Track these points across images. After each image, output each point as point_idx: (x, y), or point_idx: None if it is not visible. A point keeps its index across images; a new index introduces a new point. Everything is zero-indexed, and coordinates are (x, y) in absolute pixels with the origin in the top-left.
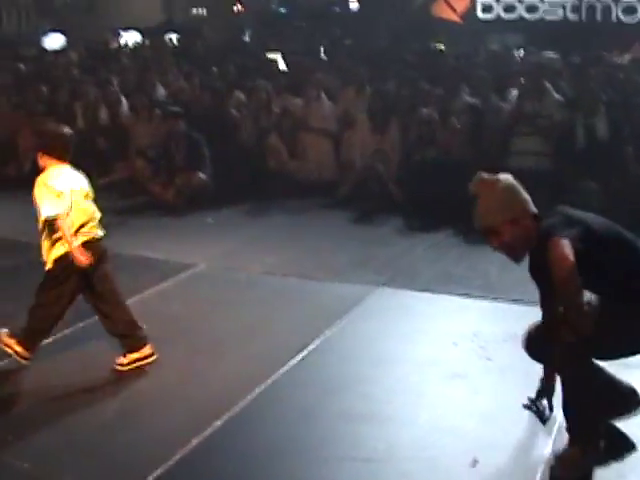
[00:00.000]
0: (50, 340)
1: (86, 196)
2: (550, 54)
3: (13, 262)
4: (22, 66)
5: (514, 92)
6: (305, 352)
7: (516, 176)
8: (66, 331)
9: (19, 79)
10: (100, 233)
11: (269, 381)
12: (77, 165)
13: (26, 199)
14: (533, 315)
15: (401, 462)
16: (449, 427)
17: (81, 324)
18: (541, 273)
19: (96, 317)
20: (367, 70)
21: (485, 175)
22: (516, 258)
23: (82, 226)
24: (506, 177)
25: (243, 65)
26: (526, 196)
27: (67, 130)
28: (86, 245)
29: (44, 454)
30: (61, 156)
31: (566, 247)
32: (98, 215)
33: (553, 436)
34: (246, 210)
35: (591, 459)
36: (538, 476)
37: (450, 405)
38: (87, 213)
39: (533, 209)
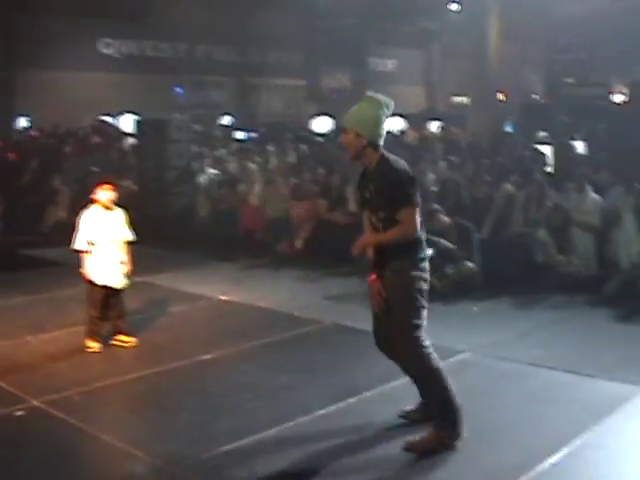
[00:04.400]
0: None
1: None
2: None
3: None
4: (304, 147)
5: None
6: (571, 447)
7: None
8: None
9: (300, 160)
10: None
11: (532, 473)
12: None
13: (298, 275)
14: None
15: None
16: None
17: None
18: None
19: None
20: (636, 167)
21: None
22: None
23: None
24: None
25: (513, 156)
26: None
27: None
28: None
29: None
30: None
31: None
32: None
33: None
34: (513, 302)
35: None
36: None
37: None
38: None
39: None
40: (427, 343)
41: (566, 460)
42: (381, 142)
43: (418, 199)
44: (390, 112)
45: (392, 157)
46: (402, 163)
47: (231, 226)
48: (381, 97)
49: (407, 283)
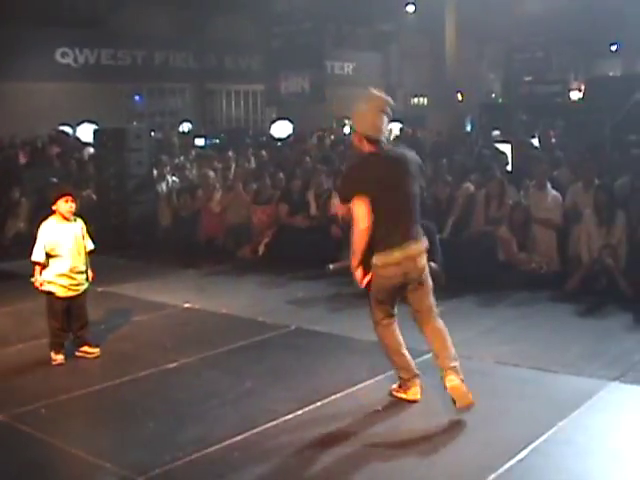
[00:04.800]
0: None
1: None
2: None
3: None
4: (264, 153)
5: None
6: (537, 442)
7: None
8: None
9: (260, 165)
10: None
11: (501, 470)
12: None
13: (261, 280)
14: None
15: None
16: None
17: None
18: None
19: None
20: (594, 163)
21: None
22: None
23: None
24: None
25: (475, 155)
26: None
27: None
28: None
29: None
30: None
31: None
32: None
33: None
34: (476, 300)
35: None
36: None
37: None
38: None
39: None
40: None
41: (533, 457)
42: (379, 137)
43: (364, 190)
44: (389, 108)
45: (385, 150)
46: (394, 153)
47: (192, 233)
48: (376, 94)
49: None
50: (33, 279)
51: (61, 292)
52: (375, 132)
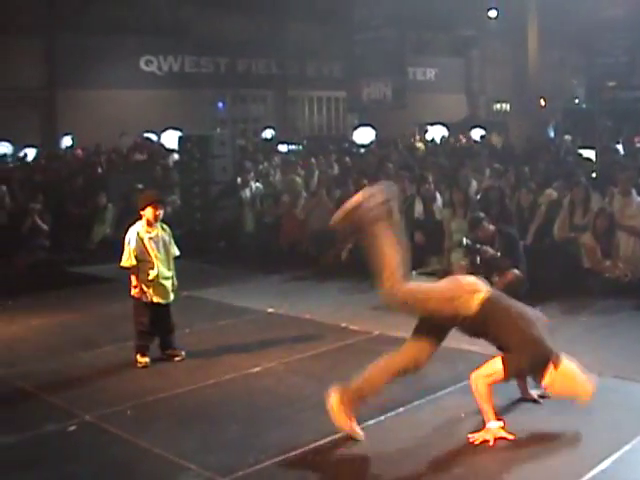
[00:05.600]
0: None
1: None
2: None
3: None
4: (347, 159)
5: None
6: (621, 452)
7: None
8: None
9: (343, 171)
10: None
11: (586, 477)
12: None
13: (343, 286)
14: None
15: None
16: None
17: None
18: None
19: None
20: None
21: None
22: None
23: None
24: None
25: (556, 162)
26: None
27: None
28: None
29: None
30: None
31: None
32: None
33: None
34: (560, 308)
35: None
36: None
37: None
38: None
39: None
40: None
41: (616, 466)
42: None
43: None
44: None
45: None
46: None
47: (275, 239)
48: None
49: None
50: (133, 286)
51: (149, 298)
52: None
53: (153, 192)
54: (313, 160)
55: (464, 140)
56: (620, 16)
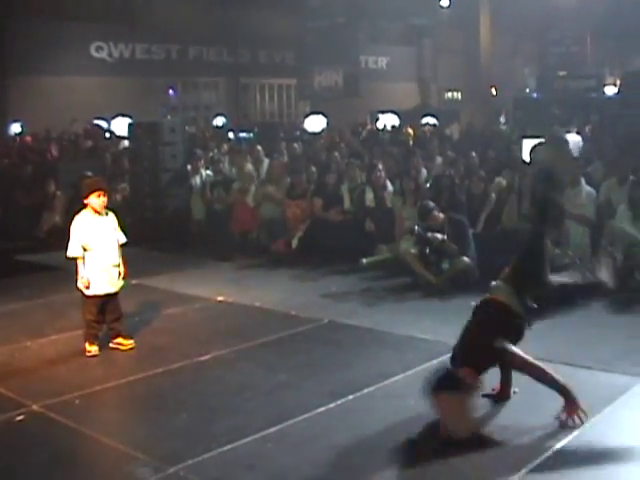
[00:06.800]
0: None
1: None
2: None
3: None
4: (297, 146)
5: None
6: (570, 438)
7: None
8: None
9: (293, 160)
10: None
11: (533, 464)
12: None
13: (294, 274)
14: None
15: None
16: None
17: None
18: None
19: None
20: (629, 158)
21: None
22: None
23: None
24: None
25: (506, 150)
26: None
27: None
28: None
29: None
30: None
31: None
32: None
33: None
34: None
35: None
36: None
37: None
38: None
39: None
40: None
41: (565, 452)
42: None
43: None
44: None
45: None
46: None
47: (226, 227)
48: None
49: None
50: (80, 278)
51: (97, 290)
52: None
53: (96, 179)
54: (259, 147)
55: (411, 131)
56: (572, 5)
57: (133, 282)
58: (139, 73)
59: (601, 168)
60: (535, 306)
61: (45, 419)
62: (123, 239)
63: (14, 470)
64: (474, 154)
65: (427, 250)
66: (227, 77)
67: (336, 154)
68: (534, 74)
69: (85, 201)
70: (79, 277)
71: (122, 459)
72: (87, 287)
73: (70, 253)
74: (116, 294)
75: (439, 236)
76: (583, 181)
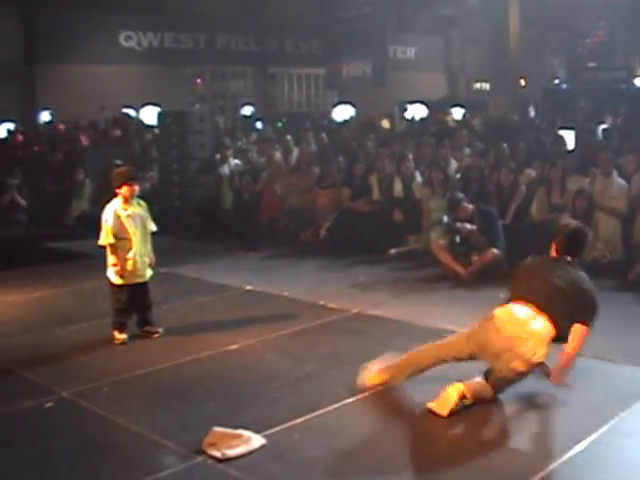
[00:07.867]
0: None
1: None
2: None
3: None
4: (324, 136)
5: None
6: (599, 432)
7: None
8: None
9: (322, 149)
10: None
11: (562, 459)
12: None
13: (322, 264)
14: None
15: None
16: None
17: None
18: None
19: None
20: None
21: None
22: None
23: None
24: None
25: (536, 141)
26: None
27: None
28: None
29: None
30: None
31: None
32: None
33: None
34: None
35: None
36: None
37: None
38: None
39: None
40: None
41: (594, 447)
42: None
43: None
44: None
45: None
46: None
47: (254, 216)
48: None
49: None
50: (112, 266)
51: (130, 279)
52: None
53: (128, 169)
54: (288, 137)
55: (447, 119)
56: None
57: (162, 271)
58: (167, 62)
59: (632, 160)
60: None
61: (74, 406)
62: (154, 228)
63: (43, 457)
64: (505, 145)
65: (456, 241)
66: (255, 66)
67: (369, 143)
68: (563, 65)
69: (117, 190)
70: (110, 265)
71: (150, 447)
72: (120, 275)
73: (102, 241)
74: (146, 283)
75: (468, 226)
76: (615, 173)
